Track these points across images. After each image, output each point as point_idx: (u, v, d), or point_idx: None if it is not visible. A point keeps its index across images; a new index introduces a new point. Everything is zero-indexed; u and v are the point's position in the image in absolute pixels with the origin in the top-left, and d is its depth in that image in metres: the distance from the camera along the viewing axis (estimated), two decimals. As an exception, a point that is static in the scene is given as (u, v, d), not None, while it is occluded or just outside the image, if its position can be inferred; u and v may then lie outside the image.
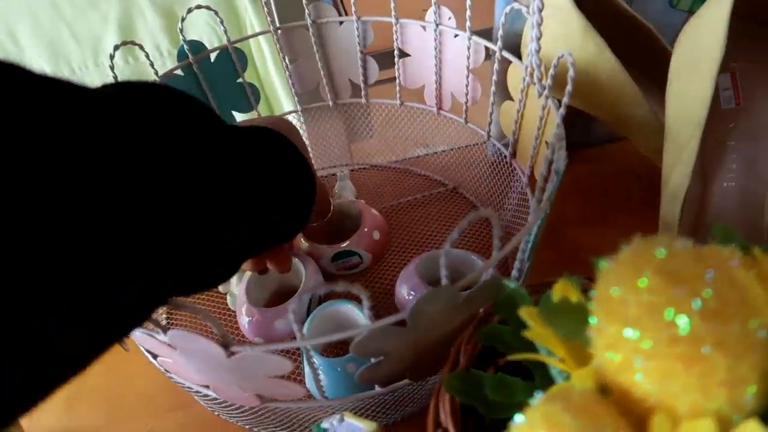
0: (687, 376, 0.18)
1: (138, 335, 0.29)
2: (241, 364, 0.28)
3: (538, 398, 0.21)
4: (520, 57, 0.47)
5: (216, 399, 0.35)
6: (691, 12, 0.49)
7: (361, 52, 0.52)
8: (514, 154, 0.47)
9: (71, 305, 0.18)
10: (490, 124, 0.50)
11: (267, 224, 0.32)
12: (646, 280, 0.19)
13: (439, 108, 0.53)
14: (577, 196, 0.53)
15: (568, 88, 0.35)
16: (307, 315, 0.42)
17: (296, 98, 0.55)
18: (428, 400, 0.39)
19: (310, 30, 0.51)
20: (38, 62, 0.67)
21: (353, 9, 0.50)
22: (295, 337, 0.41)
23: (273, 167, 0.32)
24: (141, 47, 0.47)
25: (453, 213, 0.53)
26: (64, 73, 0.68)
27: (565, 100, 0.35)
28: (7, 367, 0.17)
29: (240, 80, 0.51)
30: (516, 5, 0.41)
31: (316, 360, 0.37)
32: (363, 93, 0.54)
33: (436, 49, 0.49)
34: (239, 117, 0.53)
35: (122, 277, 0.20)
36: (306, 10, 0.50)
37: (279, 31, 0.51)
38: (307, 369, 0.37)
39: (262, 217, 0.31)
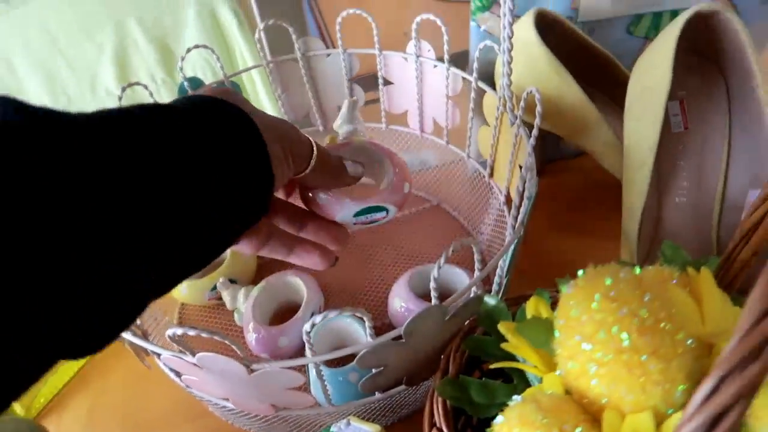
0: (630, 380, 0.22)
1: (167, 357, 0.33)
2: (260, 379, 0.32)
3: (515, 400, 0.25)
4: (494, 85, 0.51)
5: (233, 410, 0.39)
6: (647, 38, 0.54)
7: (348, 81, 0.56)
8: (491, 174, 0.52)
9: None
10: (468, 146, 0.54)
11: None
12: (596, 303, 0.23)
13: (422, 131, 0.57)
14: (551, 206, 0.58)
15: (537, 120, 0.40)
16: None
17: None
18: (422, 402, 0.43)
19: (300, 62, 0.55)
20: (36, 92, 0.70)
21: (339, 42, 0.54)
22: (302, 353, 0.46)
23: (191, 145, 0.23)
24: (145, 87, 0.51)
25: (437, 227, 0.58)
26: (61, 102, 0.71)
27: (534, 132, 0.40)
28: None
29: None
30: (489, 42, 0.46)
31: (324, 371, 0.41)
32: (351, 118, 0.58)
33: (417, 78, 0.53)
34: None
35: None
36: (296, 45, 0.54)
37: (271, 65, 0.55)
38: (312, 377, 0.41)
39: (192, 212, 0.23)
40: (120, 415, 0.47)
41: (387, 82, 0.56)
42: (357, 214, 0.37)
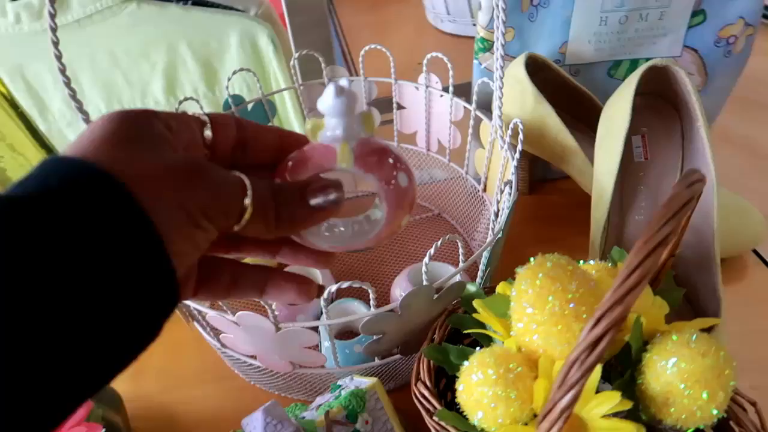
0: (559, 335, 0.31)
1: (212, 315, 0.42)
2: (284, 337, 0.41)
3: (477, 351, 0.34)
4: (490, 113, 0.60)
5: (257, 368, 0.48)
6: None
7: (367, 104, 0.65)
8: (485, 189, 0.60)
9: None
10: (467, 164, 0.63)
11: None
12: (539, 279, 0.32)
13: (428, 149, 0.66)
14: (535, 220, 0.66)
15: (519, 147, 0.48)
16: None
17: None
18: (411, 374, 0.52)
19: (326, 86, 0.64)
20: (94, 100, 0.80)
21: (361, 71, 0.63)
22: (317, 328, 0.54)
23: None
24: (197, 101, 0.60)
25: (437, 233, 0.66)
26: (115, 109, 0.81)
27: (517, 155, 0.49)
28: None
29: (270, 125, 0.65)
30: (485, 79, 0.55)
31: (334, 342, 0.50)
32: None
33: (425, 104, 0.63)
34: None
35: None
36: (324, 71, 0.63)
37: (302, 87, 0.65)
38: (326, 345, 0.50)
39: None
40: (156, 371, 0.56)
41: (400, 107, 0.65)
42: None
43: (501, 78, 0.49)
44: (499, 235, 0.45)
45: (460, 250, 0.42)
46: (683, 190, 0.26)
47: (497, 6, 0.46)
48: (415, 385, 0.39)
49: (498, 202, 0.46)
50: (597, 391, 0.30)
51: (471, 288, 0.43)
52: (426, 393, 0.38)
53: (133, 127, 0.21)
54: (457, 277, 0.44)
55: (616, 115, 0.50)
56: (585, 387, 0.30)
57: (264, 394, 0.53)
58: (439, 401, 0.37)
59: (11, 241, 0.16)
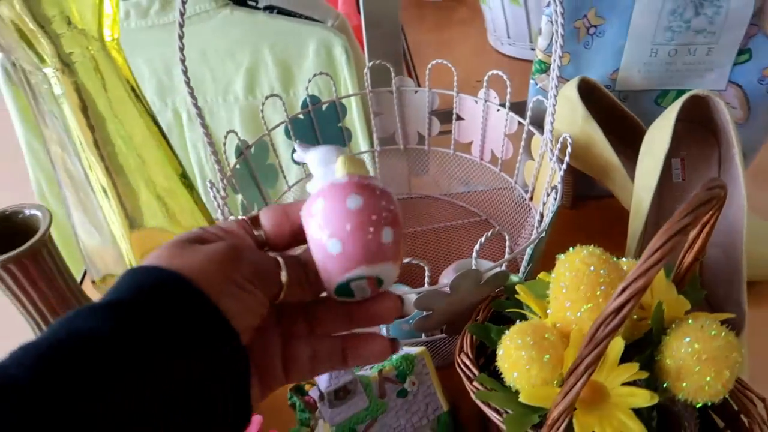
0: (590, 312, 0.36)
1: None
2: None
3: (517, 323, 0.39)
4: (542, 129, 0.66)
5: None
6: (671, 108, 0.68)
7: (429, 113, 0.72)
8: (531, 198, 0.66)
9: None
10: (516, 175, 0.69)
11: None
12: (575, 264, 0.37)
13: (481, 159, 0.72)
14: (575, 232, 0.71)
15: (566, 159, 0.54)
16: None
17: (376, 141, 0.76)
18: (451, 357, 0.57)
19: (394, 94, 0.71)
20: (183, 92, 0.89)
21: (427, 82, 0.70)
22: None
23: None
24: (280, 97, 0.67)
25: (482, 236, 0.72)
26: (200, 102, 0.89)
27: (563, 166, 0.54)
28: None
29: (340, 125, 0.72)
30: (540, 97, 0.61)
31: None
32: (426, 142, 0.74)
33: (483, 117, 0.69)
34: (335, 151, 0.74)
35: None
36: (393, 80, 0.70)
37: (371, 93, 0.72)
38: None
39: None
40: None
41: (459, 118, 0.71)
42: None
43: (555, 96, 0.55)
44: (543, 235, 0.51)
45: (507, 243, 0.48)
46: (703, 192, 0.31)
47: (557, 32, 0.52)
48: (459, 355, 0.45)
49: (544, 204, 0.51)
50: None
51: (514, 278, 0.49)
52: (468, 362, 0.44)
53: (183, 242, 0.26)
54: (503, 268, 0.49)
55: (658, 137, 0.55)
56: (608, 359, 0.36)
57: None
58: (478, 370, 0.43)
59: (131, 331, 0.22)
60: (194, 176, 0.95)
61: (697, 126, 0.57)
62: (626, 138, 0.66)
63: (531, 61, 0.72)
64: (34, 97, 0.51)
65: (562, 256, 0.39)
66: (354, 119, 0.84)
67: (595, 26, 0.64)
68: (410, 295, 0.47)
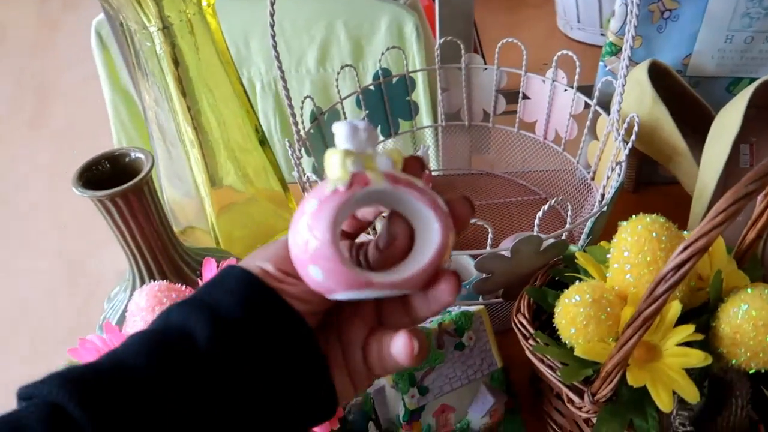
0: (649, 275, 0.38)
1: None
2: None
3: (576, 283, 0.41)
4: (608, 111, 0.67)
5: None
6: (743, 97, 0.67)
7: (495, 91, 0.74)
8: (593, 177, 0.67)
9: None
10: (579, 154, 0.70)
11: None
12: (638, 229, 0.39)
13: (544, 138, 0.73)
14: (635, 216, 0.72)
15: (633, 137, 0.55)
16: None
17: (441, 116, 0.78)
18: (507, 322, 0.59)
19: (463, 71, 0.73)
20: (257, 63, 0.93)
21: (495, 60, 0.72)
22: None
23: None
24: (353, 67, 0.70)
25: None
26: (273, 73, 0.94)
27: (629, 145, 0.55)
28: None
29: (408, 98, 0.75)
30: (609, 77, 0.62)
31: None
32: (491, 119, 0.76)
33: (549, 97, 0.70)
34: (403, 125, 0.76)
35: None
36: (462, 57, 0.72)
37: (440, 69, 0.74)
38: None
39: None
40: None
41: (525, 97, 0.73)
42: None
43: (625, 76, 0.56)
44: (604, 209, 0.52)
45: (569, 213, 0.50)
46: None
47: (631, 13, 0.53)
48: (516, 315, 0.47)
49: (608, 178, 0.53)
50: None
51: (573, 248, 0.51)
52: (524, 321, 0.46)
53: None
54: (563, 237, 0.51)
55: (728, 121, 0.55)
56: (665, 321, 0.37)
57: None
58: (533, 328, 0.45)
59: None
60: (264, 144, 1.00)
61: (766, 112, 0.57)
62: (694, 124, 0.66)
63: (600, 47, 0.73)
64: (137, 55, 0.56)
65: (624, 223, 0.41)
66: (420, 94, 0.87)
67: (669, 10, 0.64)
68: (470, 259, 0.50)
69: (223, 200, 0.68)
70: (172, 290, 0.41)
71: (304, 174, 0.57)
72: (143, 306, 0.40)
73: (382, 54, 0.72)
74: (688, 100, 0.66)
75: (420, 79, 0.87)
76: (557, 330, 0.42)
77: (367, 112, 0.73)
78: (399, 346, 0.25)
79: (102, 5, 0.71)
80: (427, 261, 0.24)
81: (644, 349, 0.38)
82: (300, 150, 0.61)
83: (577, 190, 0.72)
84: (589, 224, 0.53)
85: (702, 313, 0.40)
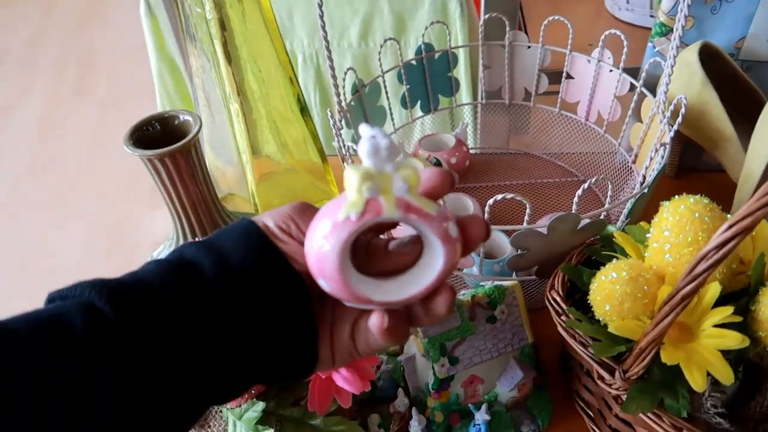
0: (689, 256, 0.38)
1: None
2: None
3: (613, 261, 0.41)
4: (654, 92, 0.65)
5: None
6: (797, 83, 0.65)
7: (539, 70, 0.73)
8: (634, 161, 0.66)
9: None
10: (621, 137, 0.69)
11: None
12: (680, 209, 0.39)
13: (586, 119, 0.72)
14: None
15: (679, 119, 0.54)
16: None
17: (482, 93, 0.77)
18: (540, 300, 0.60)
19: (506, 48, 0.73)
20: (300, 36, 0.94)
21: (540, 39, 0.71)
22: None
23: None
24: (397, 42, 0.70)
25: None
26: (315, 46, 0.94)
27: (675, 127, 0.54)
28: None
29: (450, 75, 0.74)
30: (657, 58, 0.61)
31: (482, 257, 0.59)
32: (532, 99, 0.75)
33: (594, 77, 0.69)
34: (442, 101, 0.76)
35: None
36: (507, 34, 0.72)
37: (483, 46, 0.74)
38: (474, 257, 0.59)
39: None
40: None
41: (568, 77, 0.72)
42: None
43: (674, 57, 0.55)
44: (645, 191, 0.52)
45: (609, 193, 0.49)
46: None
47: (685, -9, 0.52)
48: (549, 292, 0.48)
49: (651, 159, 0.52)
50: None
51: (610, 228, 0.50)
52: (558, 298, 0.46)
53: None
54: (601, 217, 0.51)
55: (781, 106, 0.54)
56: (703, 302, 0.37)
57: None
58: (567, 306, 0.45)
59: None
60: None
61: (825, 99, 0.55)
62: (744, 109, 0.64)
63: (648, 29, 0.71)
64: (186, 21, 0.57)
65: (666, 203, 0.40)
66: (461, 70, 0.86)
67: (725, -9, 0.62)
68: (505, 236, 0.50)
69: (263, 169, 0.69)
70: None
71: (345, 145, 0.58)
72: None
73: (426, 29, 0.72)
74: (739, 85, 0.64)
75: (462, 55, 0.87)
76: (591, 308, 0.42)
77: (408, 86, 0.73)
78: (373, 320, 0.27)
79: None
80: (426, 285, 0.26)
81: (679, 330, 0.38)
82: (341, 121, 0.62)
83: (618, 174, 0.71)
84: (628, 205, 0.53)
85: (741, 298, 0.39)
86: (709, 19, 0.64)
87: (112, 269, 0.29)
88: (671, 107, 0.56)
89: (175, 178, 0.46)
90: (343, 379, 0.40)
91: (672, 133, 0.55)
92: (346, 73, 0.65)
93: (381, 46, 0.70)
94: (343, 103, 0.63)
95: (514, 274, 0.55)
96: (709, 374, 0.36)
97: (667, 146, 0.52)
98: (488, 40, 0.74)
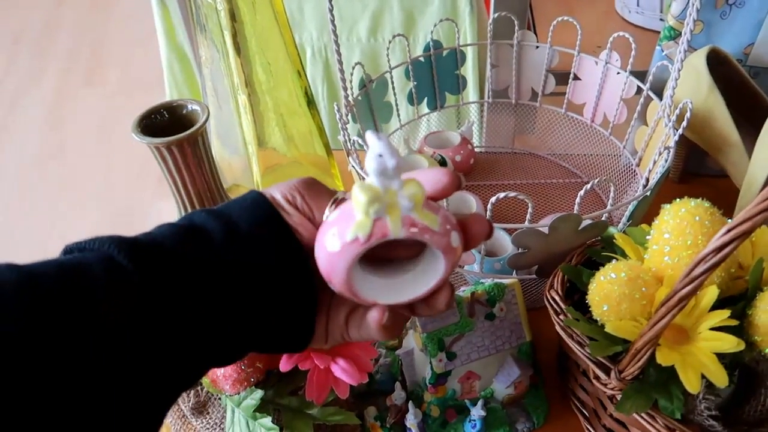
0: (688, 259, 0.38)
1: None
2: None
3: (612, 262, 0.42)
4: (660, 96, 0.65)
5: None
6: (804, 91, 0.65)
7: (546, 70, 0.73)
8: (638, 164, 0.66)
9: None
10: (626, 140, 0.69)
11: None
12: (680, 212, 0.39)
13: (592, 121, 0.73)
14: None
15: (684, 123, 0.54)
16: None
17: (489, 92, 0.78)
18: (539, 300, 0.60)
19: (515, 47, 0.73)
20: (309, 29, 0.94)
21: (549, 39, 0.71)
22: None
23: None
24: (405, 38, 0.71)
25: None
26: (324, 40, 0.95)
27: (680, 131, 0.54)
28: None
29: (457, 72, 0.75)
30: (665, 62, 0.61)
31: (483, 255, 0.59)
32: (539, 99, 0.75)
33: (601, 79, 0.69)
34: (449, 98, 0.76)
35: None
36: (516, 34, 0.72)
37: (492, 44, 0.74)
38: (475, 254, 0.59)
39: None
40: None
41: (576, 78, 0.72)
42: None
43: (682, 61, 0.55)
44: (648, 193, 0.52)
45: (611, 194, 0.49)
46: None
47: (695, -5, 0.52)
48: (548, 291, 0.48)
49: (654, 162, 0.52)
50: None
51: (612, 229, 0.51)
52: (557, 297, 0.47)
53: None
54: (603, 218, 0.51)
55: (786, 113, 0.54)
56: (700, 305, 0.37)
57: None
58: (566, 305, 0.45)
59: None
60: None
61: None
62: (750, 115, 0.64)
63: (657, 32, 0.71)
64: (196, 10, 0.57)
65: (667, 206, 0.41)
66: (469, 69, 0.87)
67: (735, -4, 0.62)
68: (507, 234, 0.50)
69: (268, 161, 0.69)
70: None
71: (350, 139, 0.58)
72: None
73: (435, 26, 0.72)
74: (745, 91, 0.64)
75: (470, 53, 0.87)
76: (589, 308, 0.42)
77: (415, 83, 0.73)
78: (373, 315, 0.29)
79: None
80: (428, 289, 0.28)
81: (676, 332, 0.38)
82: (347, 115, 0.62)
83: (621, 176, 0.71)
84: (630, 207, 0.53)
85: (739, 302, 0.39)
86: (719, 24, 0.64)
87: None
88: (677, 111, 0.57)
89: (182, 166, 0.47)
90: (341, 371, 0.40)
91: (677, 137, 0.55)
92: (353, 68, 0.65)
93: (389, 42, 0.70)
94: (350, 98, 0.64)
95: (514, 272, 0.55)
96: (703, 377, 0.36)
97: (671, 150, 0.52)
98: (497, 39, 0.74)
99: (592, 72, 0.70)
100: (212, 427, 0.45)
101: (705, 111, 0.62)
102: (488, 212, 0.49)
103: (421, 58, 0.73)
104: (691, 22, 0.53)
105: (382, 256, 0.29)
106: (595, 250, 0.50)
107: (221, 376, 0.43)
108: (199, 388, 0.48)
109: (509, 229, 0.54)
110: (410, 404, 0.49)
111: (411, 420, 0.49)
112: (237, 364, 0.42)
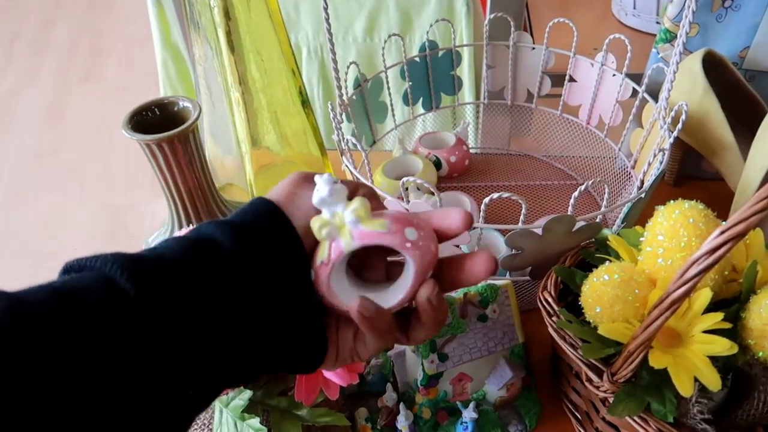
0: (681, 261, 0.38)
1: (390, 200, 0.52)
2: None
3: (606, 263, 0.41)
4: (656, 98, 0.65)
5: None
6: (800, 95, 0.65)
7: (542, 71, 0.73)
8: (633, 166, 0.66)
9: None
10: (621, 142, 0.69)
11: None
12: (674, 214, 0.39)
13: (587, 123, 0.72)
14: (674, 209, 0.70)
15: (679, 126, 0.54)
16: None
17: (484, 93, 0.77)
18: (532, 302, 0.59)
19: (510, 49, 0.73)
20: (306, 28, 0.94)
21: (545, 40, 0.71)
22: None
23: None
24: (401, 38, 0.70)
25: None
26: (320, 39, 0.94)
27: (675, 133, 0.54)
28: None
29: (453, 73, 0.74)
30: (660, 64, 0.60)
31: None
32: (534, 100, 0.75)
33: (597, 81, 0.69)
34: (444, 99, 0.76)
35: None
36: (512, 35, 0.72)
37: (488, 45, 0.74)
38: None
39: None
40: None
41: (571, 79, 0.72)
42: None
43: (677, 63, 0.55)
44: (642, 195, 0.52)
45: (606, 196, 0.49)
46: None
47: (691, -3, 0.51)
48: (541, 293, 0.48)
49: (649, 164, 0.52)
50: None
51: (606, 231, 0.50)
52: (549, 299, 0.46)
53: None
54: (597, 220, 0.51)
55: (781, 116, 0.53)
56: (693, 308, 0.37)
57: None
58: (559, 307, 0.45)
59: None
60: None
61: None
62: (745, 118, 0.64)
63: (653, 35, 0.71)
64: (190, 7, 0.57)
65: (661, 207, 0.40)
66: (465, 69, 0.86)
67: (732, -1, 0.62)
68: (500, 235, 0.50)
69: (261, 160, 0.69)
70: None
71: (344, 138, 0.58)
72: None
73: (431, 26, 0.72)
74: (741, 94, 0.64)
75: (466, 54, 0.87)
76: (582, 310, 0.42)
77: (410, 83, 0.73)
78: (351, 305, 0.29)
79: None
80: (406, 290, 0.29)
81: (669, 335, 0.38)
82: (341, 115, 0.62)
83: (616, 178, 0.71)
84: (625, 209, 0.53)
85: (732, 305, 0.39)
86: (714, 27, 0.64)
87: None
88: (672, 114, 0.56)
89: (173, 163, 0.46)
90: (332, 371, 0.40)
91: (671, 140, 0.55)
92: (348, 67, 0.65)
93: (385, 42, 0.70)
94: (345, 97, 0.63)
95: (507, 273, 0.55)
96: (696, 380, 0.36)
97: (666, 152, 0.52)
98: (493, 40, 0.74)
99: (587, 74, 0.70)
100: (200, 427, 0.45)
101: (700, 114, 0.62)
102: (482, 213, 0.49)
103: (417, 59, 0.72)
104: (687, 24, 0.53)
105: (390, 276, 0.32)
106: (589, 252, 0.49)
107: (210, 376, 0.42)
108: (188, 388, 0.47)
109: (503, 230, 0.54)
110: (401, 406, 0.49)
111: (402, 422, 0.49)
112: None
